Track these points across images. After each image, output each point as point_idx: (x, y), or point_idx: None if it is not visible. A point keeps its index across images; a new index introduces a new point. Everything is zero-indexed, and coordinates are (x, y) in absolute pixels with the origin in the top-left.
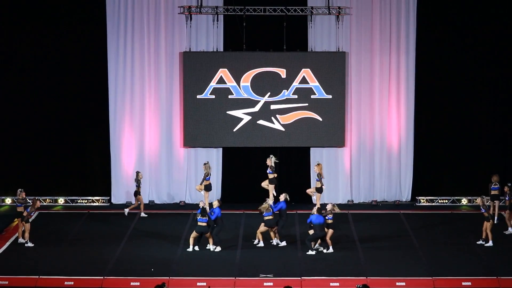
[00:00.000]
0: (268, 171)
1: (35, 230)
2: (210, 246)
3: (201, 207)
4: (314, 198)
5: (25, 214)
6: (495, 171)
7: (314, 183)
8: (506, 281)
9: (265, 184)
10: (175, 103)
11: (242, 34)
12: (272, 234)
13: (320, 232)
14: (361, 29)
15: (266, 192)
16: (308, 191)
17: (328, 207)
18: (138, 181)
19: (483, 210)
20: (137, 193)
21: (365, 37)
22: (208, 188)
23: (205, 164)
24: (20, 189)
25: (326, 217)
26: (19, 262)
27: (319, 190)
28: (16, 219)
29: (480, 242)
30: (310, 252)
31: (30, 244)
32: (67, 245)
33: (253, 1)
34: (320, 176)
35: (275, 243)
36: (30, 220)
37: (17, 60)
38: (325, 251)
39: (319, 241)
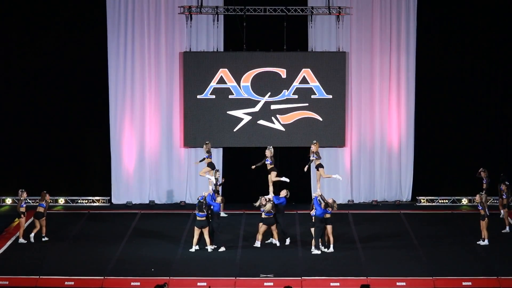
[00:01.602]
0: (267, 162)
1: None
2: (208, 247)
3: (199, 201)
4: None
5: (41, 210)
6: (494, 170)
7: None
8: (506, 281)
9: (274, 178)
10: (175, 103)
11: (243, 34)
12: (274, 233)
13: (321, 223)
14: (361, 29)
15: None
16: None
17: (329, 200)
18: (217, 180)
19: (480, 207)
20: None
21: (366, 37)
22: (211, 166)
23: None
24: (21, 190)
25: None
26: (20, 262)
27: (321, 165)
28: (16, 219)
29: (481, 242)
30: (315, 252)
31: (46, 238)
32: (68, 245)
33: (253, 1)
34: (318, 154)
35: (274, 242)
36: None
37: (17, 60)
38: (326, 250)
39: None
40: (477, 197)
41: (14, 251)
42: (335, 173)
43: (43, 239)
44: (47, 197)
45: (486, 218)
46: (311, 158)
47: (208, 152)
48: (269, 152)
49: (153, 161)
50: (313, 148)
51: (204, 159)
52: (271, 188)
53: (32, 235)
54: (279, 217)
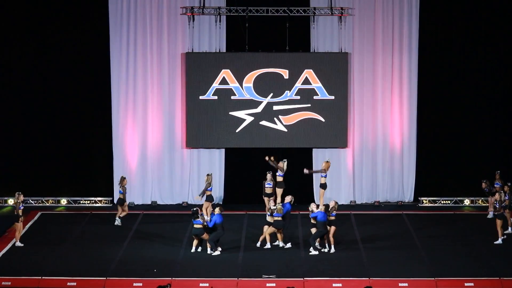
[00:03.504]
0: (278, 174)
1: (38, 231)
2: (208, 250)
3: (193, 210)
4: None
5: (121, 196)
6: (495, 171)
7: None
8: (508, 282)
9: (279, 193)
10: (178, 104)
11: (245, 35)
12: (279, 235)
13: (324, 229)
14: (363, 29)
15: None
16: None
17: (331, 203)
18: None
19: (497, 205)
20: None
21: (368, 37)
22: (210, 199)
23: (208, 175)
24: (18, 192)
25: (330, 214)
26: (22, 263)
27: (323, 186)
28: (15, 223)
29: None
30: (313, 252)
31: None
32: (70, 246)
33: (255, 2)
34: (325, 172)
35: (281, 245)
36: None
37: (19, 60)
38: (327, 250)
39: (318, 239)
40: (496, 195)
41: (17, 252)
42: (338, 175)
43: (115, 223)
44: (125, 181)
45: (498, 217)
46: (321, 175)
47: (209, 184)
48: (282, 164)
49: (155, 162)
50: (324, 165)
51: (204, 192)
52: (278, 199)
53: (117, 219)
54: (285, 223)
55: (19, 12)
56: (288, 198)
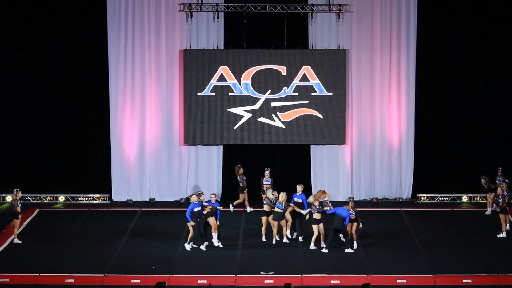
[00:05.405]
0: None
1: (36, 228)
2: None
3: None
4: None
5: (241, 185)
6: (494, 167)
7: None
8: (506, 278)
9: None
10: (176, 100)
11: (243, 32)
12: (274, 230)
13: (341, 226)
14: (361, 26)
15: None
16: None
17: (350, 204)
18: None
19: (500, 200)
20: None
21: (366, 34)
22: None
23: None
24: (16, 189)
25: (350, 213)
26: (20, 260)
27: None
28: (14, 220)
29: (500, 234)
30: (324, 250)
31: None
32: (68, 242)
33: None
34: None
35: (274, 242)
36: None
37: (17, 57)
38: (348, 250)
39: (314, 235)
40: (499, 190)
41: (15, 249)
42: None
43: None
44: (241, 170)
45: (502, 212)
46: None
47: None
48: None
49: (154, 159)
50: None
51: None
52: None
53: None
54: (299, 214)
55: (17, 10)
56: (299, 189)
